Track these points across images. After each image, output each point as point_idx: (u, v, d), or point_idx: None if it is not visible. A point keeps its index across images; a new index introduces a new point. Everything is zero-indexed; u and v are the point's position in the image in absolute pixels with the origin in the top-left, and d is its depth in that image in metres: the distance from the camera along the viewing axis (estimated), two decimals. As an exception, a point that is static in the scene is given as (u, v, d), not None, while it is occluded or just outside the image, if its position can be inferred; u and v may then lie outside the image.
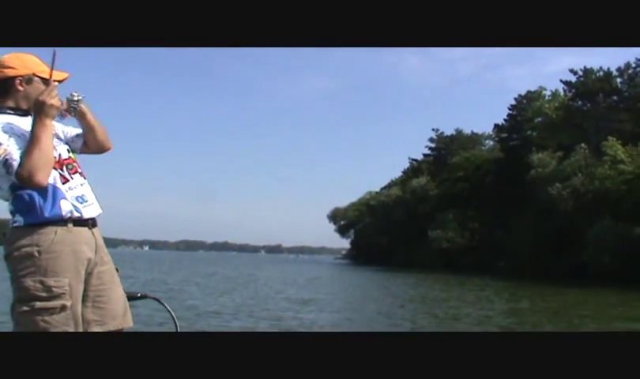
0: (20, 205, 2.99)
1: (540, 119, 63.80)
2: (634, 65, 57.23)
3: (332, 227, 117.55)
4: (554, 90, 64.86)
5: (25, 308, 2.91)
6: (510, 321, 18.20)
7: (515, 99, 70.64)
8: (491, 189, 68.00)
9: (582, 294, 30.07)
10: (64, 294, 2.95)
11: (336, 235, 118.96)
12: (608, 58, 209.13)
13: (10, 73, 3.11)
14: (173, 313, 3.71)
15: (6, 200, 3.06)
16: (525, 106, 67.07)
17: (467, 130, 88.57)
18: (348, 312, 20.54)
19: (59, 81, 3.14)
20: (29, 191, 2.96)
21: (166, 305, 3.77)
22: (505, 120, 71.92)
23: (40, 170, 2.91)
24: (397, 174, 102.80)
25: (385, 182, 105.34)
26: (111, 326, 3.13)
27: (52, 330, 2.91)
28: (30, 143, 2.93)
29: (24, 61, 3.16)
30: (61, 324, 2.93)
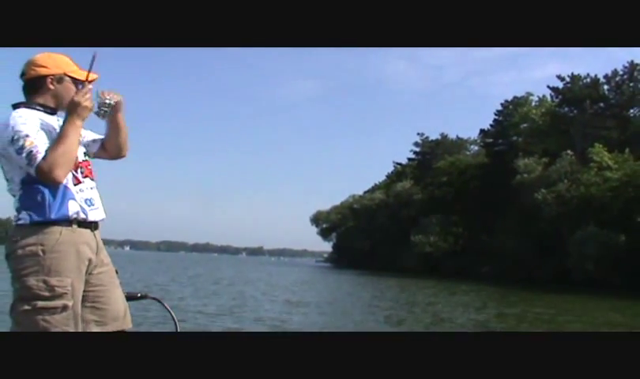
0: (29, 202, 3.02)
1: (526, 125, 63.66)
2: (621, 72, 57.20)
3: (314, 229, 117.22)
4: (541, 96, 64.84)
5: (26, 307, 2.92)
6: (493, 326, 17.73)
7: (502, 104, 70.39)
8: (475, 194, 67.70)
9: (564, 301, 29.73)
10: (66, 294, 2.97)
11: (318, 238, 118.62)
12: (592, 65, 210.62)
13: (43, 71, 3.16)
14: (173, 313, 3.77)
15: (14, 195, 3.09)
16: (512, 111, 66.86)
17: (452, 135, 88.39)
18: (344, 315, 19.97)
19: (90, 81, 3.19)
20: (40, 188, 3.00)
21: (166, 305, 3.85)
22: (491, 125, 71.65)
23: (61, 166, 2.96)
24: (380, 178, 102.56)
25: (368, 186, 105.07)
26: (111, 327, 3.16)
27: (52, 330, 2.91)
28: (58, 139, 3.00)
29: (56, 60, 3.21)
30: (61, 324, 2.95)
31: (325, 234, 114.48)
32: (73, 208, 3.08)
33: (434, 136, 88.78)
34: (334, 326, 15.54)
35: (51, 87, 3.18)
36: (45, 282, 2.94)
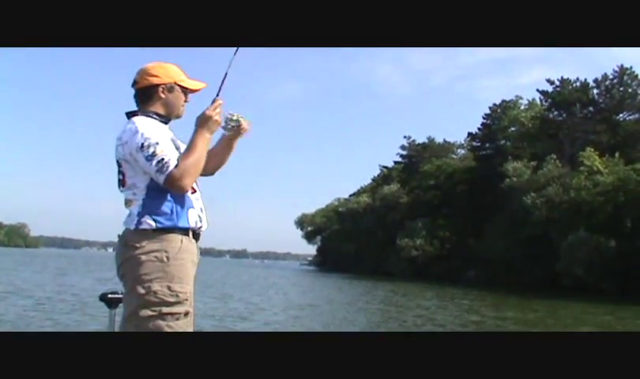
0: (155, 207, 3.07)
1: (514, 128, 63.23)
2: (610, 76, 56.77)
3: (298, 232, 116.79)
4: (530, 99, 64.42)
5: (151, 312, 2.97)
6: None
7: (490, 107, 69.78)
8: (462, 198, 67.18)
9: (557, 306, 29.14)
10: (187, 300, 3.07)
11: (303, 241, 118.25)
12: (579, 71, 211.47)
13: (155, 81, 3.24)
14: None
15: (130, 199, 3.13)
16: (500, 115, 66.31)
17: (439, 139, 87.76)
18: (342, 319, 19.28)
19: (196, 90, 3.35)
20: (167, 195, 3.08)
21: None
22: (479, 129, 70.93)
23: (191, 176, 3.07)
24: (366, 181, 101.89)
25: (354, 189, 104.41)
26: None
27: None
28: (189, 149, 3.10)
29: (167, 70, 3.29)
30: (182, 329, 3.02)
31: (309, 237, 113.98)
32: (193, 218, 3.17)
33: (421, 139, 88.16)
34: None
35: (162, 96, 3.25)
36: (169, 288, 3.01)
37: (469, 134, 74.19)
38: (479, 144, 71.01)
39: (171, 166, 2.99)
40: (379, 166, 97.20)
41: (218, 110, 3.20)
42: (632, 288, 39.62)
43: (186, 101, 3.32)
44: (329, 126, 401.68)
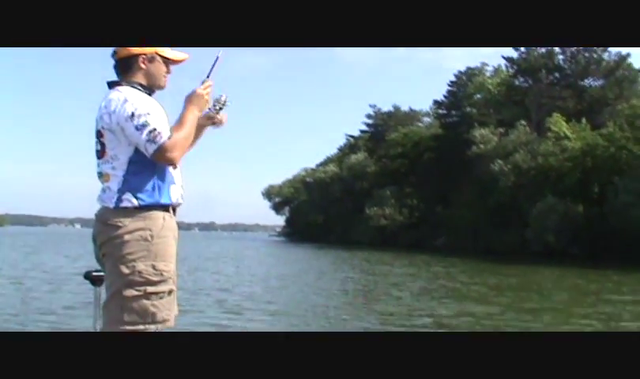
0: (136, 184, 3.01)
1: (480, 95, 63.38)
2: (576, 42, 56.95)
3: (266, 204, 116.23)
4: (496, 66, 64.54)
5: (136, 292, 2.95)
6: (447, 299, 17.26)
7: (455, 75, 69.84)
8: (429, 166, 67.41)
9: (526, 271, 29.45)
10: (171, 278, 3.06)
11: (271, 212, 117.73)
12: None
13: (135, 50, 3.16)
14: None
15: (107, 172, 3.05)
16: (466, 82, 66.37)
17: (404, 107, 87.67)
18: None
19: (178, 61, 3.32)
20: (150, 169, 3.03)
21: None
22: (444, 96, 70.94)
23: (182, 149, 3.06)
24: (333, 151, 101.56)
25: (321, 160, 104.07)
26: (176, 310, 3.17)
27: (159, 314, 2.98)
28: (180, 123, 3.12)
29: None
30: (166, 308, 3.02)
31: (277, 208, 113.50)
32: (175, 194, 3.14)
33: (386, 108, 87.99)
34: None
35: (143, 66, 3.18)
36: (154, 267, 2.98)
37: (435, 102, 74.16)
38: (445, 111, 70.98)
39: (164, 137, 2.95)
40: (345, 135, 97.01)
41: (208, 90, 3.24)
42: (599, 252, 40.37)
43: (167, 72, 3.27)
44: (294, 97, 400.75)
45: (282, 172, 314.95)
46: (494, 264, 34.59)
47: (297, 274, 26.46)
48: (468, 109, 65.45)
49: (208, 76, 3.29)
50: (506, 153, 49.92)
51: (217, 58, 3.31)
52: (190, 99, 3.18)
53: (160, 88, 3.26)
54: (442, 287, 21.54)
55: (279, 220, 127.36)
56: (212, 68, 3.31)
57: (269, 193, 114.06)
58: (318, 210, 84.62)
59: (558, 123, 46.36)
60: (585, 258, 38.74)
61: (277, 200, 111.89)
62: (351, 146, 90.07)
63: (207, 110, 3.33)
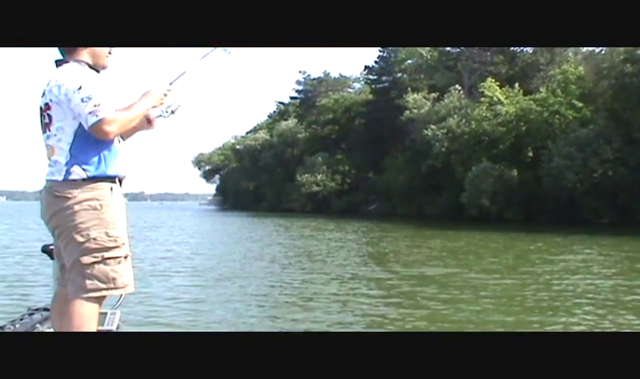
0: (83, 157, 3.10)
1: (412, 61, 63.14)
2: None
3: (196, 172, 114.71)
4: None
5: (93, 259, 3.06)
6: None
7: (386, 40, 69.30)
8: (361, 132, 67.28)
9: (466, 235, 29.29)
10: (124, 244, 3.18)
11: (201, 181, 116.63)
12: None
13: None
14: None
15: (54, 145, 3.12)
16: (397, 48, 65.91)
17: (334, 73, 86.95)
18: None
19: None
20: (96, 142, 3.09)
21: None
22: (375, 62, 70.41)
23: (120, 127, 3.11)
24: (262, 118, 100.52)
25: (251, 127, 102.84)
26: None
27: (119, 279, 3.12)
28: (128, 106, 3.20)
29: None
30: (125, 273, 3.16)
31: (207, 176, 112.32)
32: (121, 166, 3.24)
33: (316, 74, 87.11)
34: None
35: None
36: (107, 234, 3.09)
37: (366, 67, 73.59)
38: (375, 77, 70.46)
39: (106, 111, 3.02)
40: (275, 102, 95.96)
41: (166, 93, 3.47)
42: (534, 216, 40.90)
43: (110, 53, 3.35)
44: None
45: (212, 140, 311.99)
46: (431, 229, 34.44)
47: (227, 241, 25.83)
48: (400, 74, 65.24)
49: (170, 84, 3.52)
50: (440, 118, 49.74)
51: (184, 72, 3.58)
52: (147, 93, 3.36)
53: (103, 67, 3.33)
54: (388, 251, 21.03)
55: (209, 189, 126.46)
56: (177, 79, 3.56)
57: (198, 162, 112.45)
58: (248, 177, 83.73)
59: (491, 88, 46.35)
60: (520, 222, 39.24)
61: (207, 168, 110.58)
62: (281, 113, 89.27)
63: (159, 111, 3.52)
